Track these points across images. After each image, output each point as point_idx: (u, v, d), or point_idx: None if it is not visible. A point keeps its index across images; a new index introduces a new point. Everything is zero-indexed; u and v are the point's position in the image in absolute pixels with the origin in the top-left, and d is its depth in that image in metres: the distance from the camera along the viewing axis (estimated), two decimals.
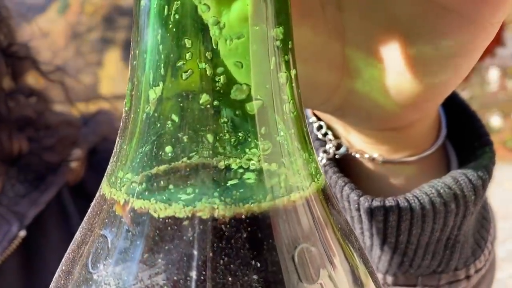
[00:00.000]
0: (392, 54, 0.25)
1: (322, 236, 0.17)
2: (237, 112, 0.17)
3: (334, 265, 0.17)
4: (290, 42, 0.18)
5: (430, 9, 0.23)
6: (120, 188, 0.18)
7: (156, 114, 0.17)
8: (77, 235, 0.19)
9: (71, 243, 0.19)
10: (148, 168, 0.17)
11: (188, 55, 0.17)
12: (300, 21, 0.24)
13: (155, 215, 0.17)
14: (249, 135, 0.17)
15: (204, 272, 0.16)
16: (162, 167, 0.17)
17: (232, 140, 0.17)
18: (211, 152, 0.17)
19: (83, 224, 0.19)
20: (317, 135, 0.33)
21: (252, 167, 0.17)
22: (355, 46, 0.26)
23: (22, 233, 0.51)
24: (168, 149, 0.17)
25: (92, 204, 0.19)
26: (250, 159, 0.17)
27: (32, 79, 0.59)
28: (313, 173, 0.18)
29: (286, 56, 0.18)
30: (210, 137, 0.17)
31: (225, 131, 0.17)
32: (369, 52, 0.26)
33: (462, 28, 0.23)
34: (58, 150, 0.54)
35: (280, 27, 0.18)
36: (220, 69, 0.17)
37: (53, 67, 0.60)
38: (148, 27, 0.17)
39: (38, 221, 0.53)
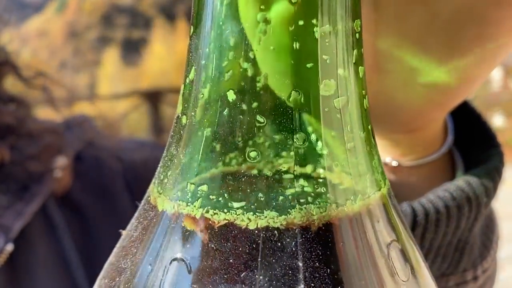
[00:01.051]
0: (424, 54, 0.25)
1: (405, 234, 0.17)
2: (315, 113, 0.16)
3: (419, 262, 0.17)
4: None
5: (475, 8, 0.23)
6: (192, 201, 0.16)
7: (231, 118, 0.16)
8: (128, 264, 0.17)
9: (115, 272, 0.17)
10: (228, 178, 0.16)
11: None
12: None
13: (247, 227, 0.15)
14: (335, 135, 0.16)
15: (312, 284, 0.15)
16: (243, 175, 0.16)
17: (317, 143, 0.16)
18: (295, 158, 0.16)
19: (132, 249, 0.17)
20: None
21: (335, 171, 0.16)
22: (386, 46, 0.26)
23: (9, 247, 0.48)
24: (253, 154, 0.16)
25: (141, 225, 0.17)
26: (333, 163, 0.16)
27: (9, 84, 0.57)
28: (382, 175, 0.18)
29: (362, 49, 0.17)
30: (295, 140, 0.16)
31: (306, 136, 0.16)
32: (400, 52, 0.25)
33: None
34: (42, 159, 0.53)
35: (358, 19, 0.17)
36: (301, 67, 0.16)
37: (33, 72, 0.58)
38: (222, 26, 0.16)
39: (24, 234, 0.51)
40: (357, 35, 0.17)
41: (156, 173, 0.18)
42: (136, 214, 0.18)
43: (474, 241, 0.32)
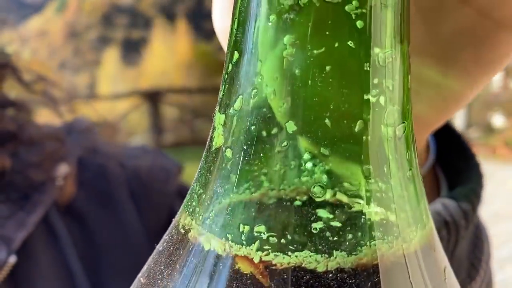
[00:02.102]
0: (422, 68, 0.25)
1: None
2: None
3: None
4: None
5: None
6: (249, 243, 0.15)
7: (291, 151, 0.15)
8: None
9: None
10: (288, 217, 0.15)
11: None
12: None
13: (315, 269, 0.14)
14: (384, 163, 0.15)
15: None
16: (305, 213, 0.15)
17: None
18: (366, 194, 0.15)
19: None
20: None
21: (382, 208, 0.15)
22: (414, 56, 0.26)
23: (12, 259, 0.46)
24: (317, 189, 0.15)
25: (176, 263, 0.16)
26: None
27: (8, 88, 0.55)
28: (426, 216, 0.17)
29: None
30: (363, 173, 0.15)
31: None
32: (424, 63, 0.25)
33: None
34: (43, 167, 0.51)
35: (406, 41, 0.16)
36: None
37: (34, 76, 0.56)
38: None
39: (26, 245, 0.49)
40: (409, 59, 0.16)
41: (191, 203, 0.16)
42: (164, 246, 0.17)
43: (459, 263, 0.32)
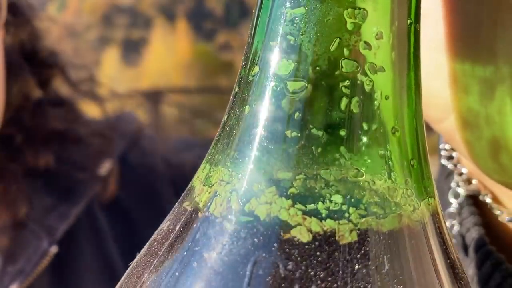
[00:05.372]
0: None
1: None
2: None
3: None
4: None
5: None
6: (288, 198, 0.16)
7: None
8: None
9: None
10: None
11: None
12: None
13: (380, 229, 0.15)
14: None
15: None
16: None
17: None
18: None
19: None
20: (446, 166, 0.30)
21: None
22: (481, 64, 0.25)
23: (54, 249, 0.48)
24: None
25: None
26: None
27: (59, 84, 0.56)
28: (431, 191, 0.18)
29: None
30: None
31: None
32: (491, 71, 0.24)
33: None
34: (88, 165, 0.52)
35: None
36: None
37: (83, 75, 0.56)
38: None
39: (69, 236, 0.50)
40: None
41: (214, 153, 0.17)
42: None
43: None
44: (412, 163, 0.16)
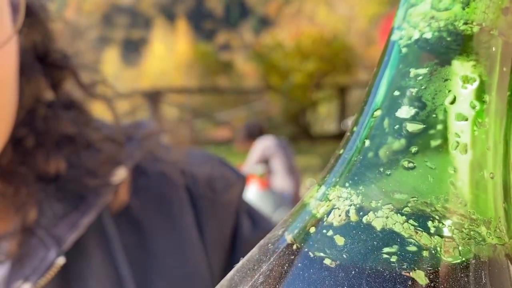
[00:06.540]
0: None
1: None
2: None
3: None
4: None
5: None
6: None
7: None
8: None
9: None
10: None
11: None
12: None
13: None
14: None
15: None
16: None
17: None
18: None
19: None
20: None
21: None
22: None
23: (61, 260, 0.46)
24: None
25: None
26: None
27: (70, 86, 0.54)
28: None
29: None
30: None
31: None
32: None
33: None
34: (100, 172, 0.51)
35: None
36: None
37: (96, 77, 0.55)
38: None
39: (77, 246, 0.49)
40: None
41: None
42: None
43: None
44: (504, 206, 0.19)
